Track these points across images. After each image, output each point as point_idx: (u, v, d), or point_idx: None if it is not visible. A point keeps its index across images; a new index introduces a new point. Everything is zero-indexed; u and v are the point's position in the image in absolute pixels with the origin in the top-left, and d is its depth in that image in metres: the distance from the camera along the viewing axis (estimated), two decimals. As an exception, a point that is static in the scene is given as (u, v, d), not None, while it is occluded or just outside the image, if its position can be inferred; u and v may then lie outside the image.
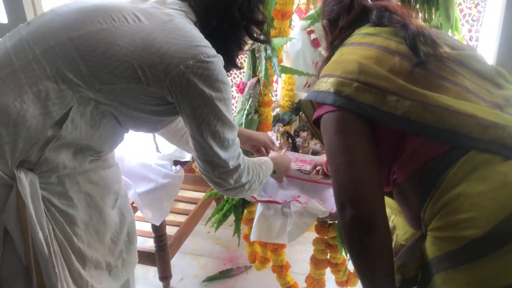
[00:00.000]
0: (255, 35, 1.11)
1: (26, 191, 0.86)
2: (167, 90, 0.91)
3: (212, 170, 1.01)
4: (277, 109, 2.00)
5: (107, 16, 0.92)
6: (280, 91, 2.05)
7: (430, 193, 0.76)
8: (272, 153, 1.48)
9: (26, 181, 0.86)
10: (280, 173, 1.49)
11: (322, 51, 2.20)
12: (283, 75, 1.87)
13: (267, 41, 1.23)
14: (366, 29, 0.93)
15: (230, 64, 1.07)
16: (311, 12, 2.18)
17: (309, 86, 2.22)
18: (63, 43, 0.90)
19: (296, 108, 1.93)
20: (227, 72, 1.01)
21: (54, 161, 0.89)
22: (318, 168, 1.50)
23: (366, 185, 0.74)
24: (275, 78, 1.89)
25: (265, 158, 1.31)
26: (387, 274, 0.77)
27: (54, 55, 0.89)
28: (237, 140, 1.05)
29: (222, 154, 1.00)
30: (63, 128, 0.88)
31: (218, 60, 0.95)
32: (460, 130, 0.74)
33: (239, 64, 1.15)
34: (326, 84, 0.84)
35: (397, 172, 0.82)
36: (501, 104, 0.80)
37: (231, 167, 1.02)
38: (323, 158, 1.46)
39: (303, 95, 2.02)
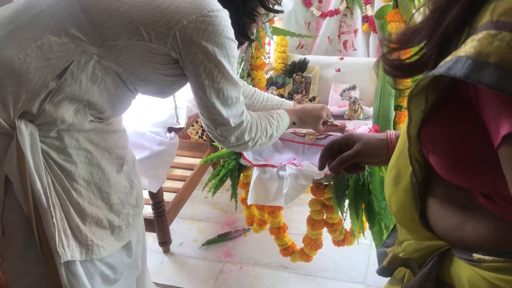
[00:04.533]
0: (269, 5, 1.06)
1: (25, 141, 0.88)
2: (170, 46, 0.91)
3: (214, 128, 1.03)
4: (271, 72, 1.97)
5: None
6: (273, 54, 2.01)
7: None
8: (300, 105, 1.38)
9: (26, 131, 0.89)
10: (304, 124, 1.35)
11: (314, 10, 2.15)
12: (275, 36, 1.83)
13: (282, 11, 1.12)
14: None
15: (242, 35, 1.05)
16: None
17: (302, 47, 2.18)
18: None
19: (290, 70, 1.90)
20: (239, 44, 0.99)
21: (52, 114, 0.91)
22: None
23: None
24: (267, 40, 1.86)
25: (280, 111, 1.25)
26: None
27: (59, 9, 0.90)
28: (241, 98, 1.04)
29: (225, 112, 1.00)
30: (62, 80, 0.89)
31: (224, 15, 0.92)
32: None
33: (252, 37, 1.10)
34: None
35: None
36: None
37: (232, 125, 1.03)
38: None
39: (296, 57, 1.99)
